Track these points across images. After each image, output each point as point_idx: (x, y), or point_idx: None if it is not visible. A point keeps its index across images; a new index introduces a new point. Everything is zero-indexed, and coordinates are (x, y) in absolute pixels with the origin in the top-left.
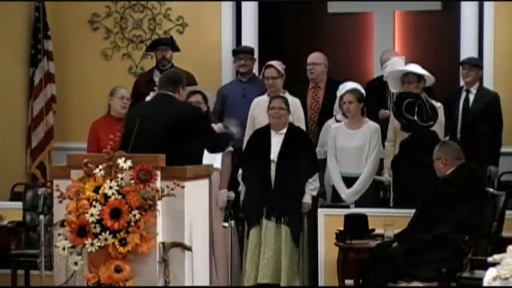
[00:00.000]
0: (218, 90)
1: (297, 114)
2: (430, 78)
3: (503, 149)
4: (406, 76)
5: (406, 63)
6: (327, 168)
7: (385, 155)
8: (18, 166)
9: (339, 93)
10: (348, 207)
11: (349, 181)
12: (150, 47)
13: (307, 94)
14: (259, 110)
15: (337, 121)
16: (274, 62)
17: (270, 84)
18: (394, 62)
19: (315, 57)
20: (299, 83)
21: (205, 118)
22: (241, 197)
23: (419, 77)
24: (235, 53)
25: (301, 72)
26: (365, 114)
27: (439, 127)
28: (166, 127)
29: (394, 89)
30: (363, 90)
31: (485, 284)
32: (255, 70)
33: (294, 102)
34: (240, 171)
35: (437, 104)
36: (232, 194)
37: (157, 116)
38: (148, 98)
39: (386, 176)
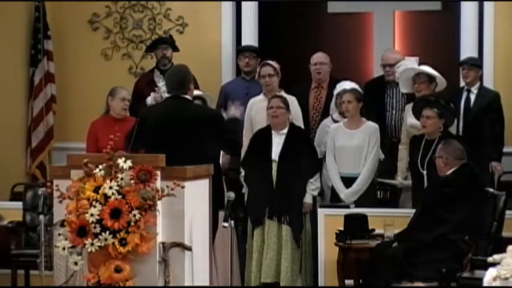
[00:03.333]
0: (221, 87)
1: (294, 112)
2: (442, 82)
3: (503, 149)
4: (418, 76)
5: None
6: (324, 167)
7: (399, 158)
8: (18, 166)
9: (336, 91)
10: (348, 207)
11: (348, 181)
12: (149, 47)
13: (308, 94)
14: (256, 109)
15: (334, 120)
16: (269, 61)
17: (266, 82)
18: (409, 62)
19: (321, 57)
20: (299, 82)
21: (223, 120)
22: (246, 198)
23: (431, 79)
24: (239, 51)
25: (301, 72)
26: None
27: None
28: (184, 128)
29: (404, 89)
30: (360, 90)
31: (485, 284)
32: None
33: (290, 100)
34: (243, 173)
35: None
36: (232, 194)
37: (175, 118)
38: (149, 100)
39: (399, 179)
